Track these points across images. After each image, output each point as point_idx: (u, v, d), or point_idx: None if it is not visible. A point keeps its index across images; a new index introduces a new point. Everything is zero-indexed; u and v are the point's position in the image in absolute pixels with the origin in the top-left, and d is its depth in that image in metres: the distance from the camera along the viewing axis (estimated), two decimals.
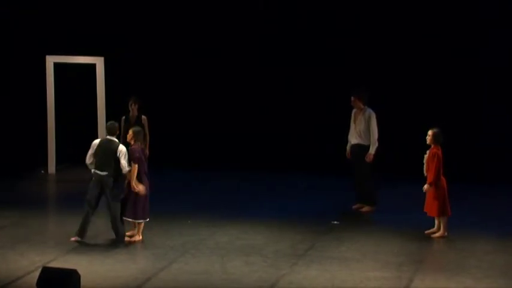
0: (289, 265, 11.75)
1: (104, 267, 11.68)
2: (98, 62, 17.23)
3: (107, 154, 12.55)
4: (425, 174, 12.97)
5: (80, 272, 9.90)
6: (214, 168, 17.43)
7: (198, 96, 17.89)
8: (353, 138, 14.59)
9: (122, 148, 12.54)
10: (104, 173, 12.54)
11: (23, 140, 18.14)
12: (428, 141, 12.97)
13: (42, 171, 17.57)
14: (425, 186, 12.91)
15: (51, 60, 17.43)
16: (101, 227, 13.77)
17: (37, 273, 9.99)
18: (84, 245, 12.60)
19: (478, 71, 16.72)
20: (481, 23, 16.55)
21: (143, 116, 15.12)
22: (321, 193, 15.92)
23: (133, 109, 15.14)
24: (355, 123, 14.56)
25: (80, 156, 17.73)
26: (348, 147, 14.67)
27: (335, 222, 13.87)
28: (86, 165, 12.86)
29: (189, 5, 17.85)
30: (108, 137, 12.77)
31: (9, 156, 18.08)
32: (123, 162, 12.45)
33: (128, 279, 11.19)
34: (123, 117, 15.25)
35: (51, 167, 17.62)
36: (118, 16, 17.94)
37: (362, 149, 14.46)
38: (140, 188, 12.53)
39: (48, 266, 10.69)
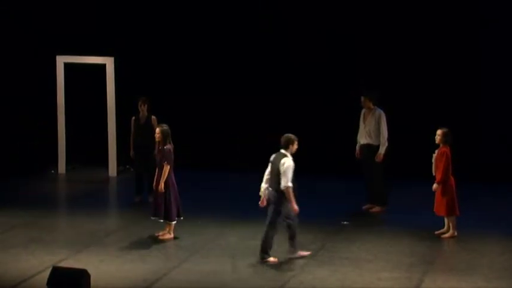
0: (300, 265, 11.74)
1: (114, 267, 11.69)
2: (108, 62, 17.25)
3: (273, 169, 11.92)
4: (433, 173, 12.99)
5: (90, 271, 9.91)
6: (224, 168, 17.42)
7: (207, 96, 17.88)
8: (362, 139, 14.58)
9: (283, 162, 11.78)
10: (270, 189, 11.94)
11: (33, 140, 18.19)
12: (437, 141, 12.99)
13: (52, 171, 17.60)
14: (434, 186, 12.92)
15: (61, 60, 17.46)
16: (111, 227, 13.80)
17: (47, 273, 10.00)
18: (94, 245, 12.62)
19: (482, 71, 16.70)
20: (485, 24, 16.56)
21: (153, 117, 15.13)
22: (331, 193, 15.90)
23: (142, 109, 15.16)
24: (364, 123, 14.55)
25: (89, 157, 17.93)
26: (358, 148, 14.66)
27: (345, 222, 13.85)
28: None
29: (199, 6, 17.85)
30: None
31: (20, 156, 18.13)
32: (282, 179, 11.68)
33: (138, 279, 11.19)
34: (133, 118, 15.29)
35: (61, 167, 17.65)
36: (128, 16, 17.95)
37: (371, 149, 14.44)
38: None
39: (58, 266, 10.71)
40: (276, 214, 11.88)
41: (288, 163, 11.76)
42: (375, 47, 16.98)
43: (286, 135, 12.02)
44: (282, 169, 11.74)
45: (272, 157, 12.00)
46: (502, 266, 11.71)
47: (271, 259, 11.87)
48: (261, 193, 12.10)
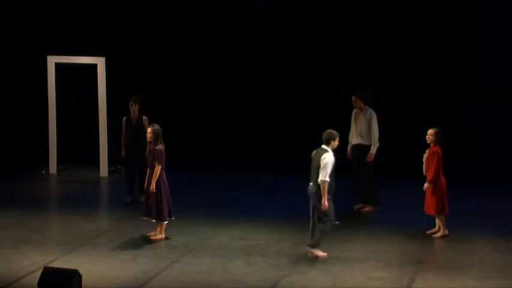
0: (291, 265, 11.76)
1: (105, 267, 11.69)
2: (99, 62, 17.23)
3: (314, 164, 11.99)
4: (424, 173, 13.03)
5: (81, 272, 9.90)
6: (215, 168, 17.43)
7: (198, 96, 17.89)
8: (354, 139, 14.60)
9: (324, 156, 11.86)
10: (310, 184, 12.03)
11: (24, 141, 18.16)
12: (428, 141, 13.02)
13: (43, 172, 17.58)
14: (426, 185, 12.96)
15: (52, 61, 17.43)
16: (102, 227, 13.79)
17: (38, 273, 9.99)
18: (85, 245, 12.61)
19: (476, 72, 16.73)
20: (480, 24, 16.59)
21: (144, 117, 15.13)
22: None
23: (134, 110, 15.16)
24: (355, 123, 14.57)
25: (80, 157, 17.91)
26: (349, 148, 14.67)
27: (336, 222, 13.83)
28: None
29: (190, 6, 17.85)
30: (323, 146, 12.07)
31: (11, 157, 18.10)
32: (320, 172, 11.78)
33: (129, 279, 11.19)
34: (124, 118, 15.28)
35: (53, 168, 17.62)
36: (119, 17, 17.94)
37: (363, 149, 14.46)
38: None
39: (49, 266, 10.70)
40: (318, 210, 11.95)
41: (328, 158, 11.83)
42: (369, 47, 17.00)
43: (328, 130, 12.08)
44: (322, 163, 11.79)
45: (313, 153, 12.05)
46: (492, 266, 11.74)
47: (320, 253, 11.95)
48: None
